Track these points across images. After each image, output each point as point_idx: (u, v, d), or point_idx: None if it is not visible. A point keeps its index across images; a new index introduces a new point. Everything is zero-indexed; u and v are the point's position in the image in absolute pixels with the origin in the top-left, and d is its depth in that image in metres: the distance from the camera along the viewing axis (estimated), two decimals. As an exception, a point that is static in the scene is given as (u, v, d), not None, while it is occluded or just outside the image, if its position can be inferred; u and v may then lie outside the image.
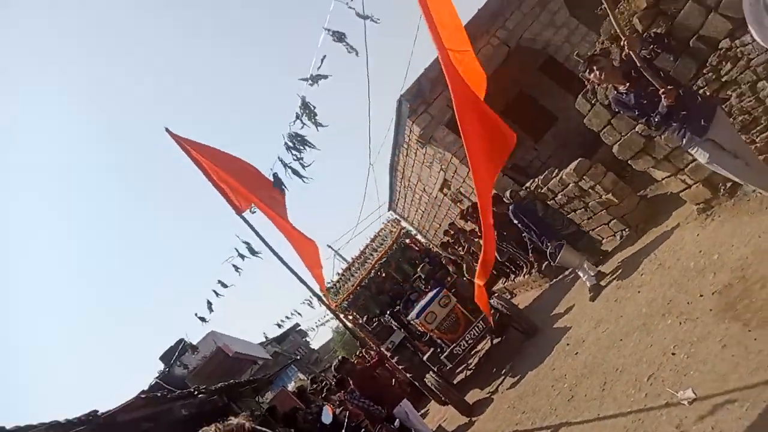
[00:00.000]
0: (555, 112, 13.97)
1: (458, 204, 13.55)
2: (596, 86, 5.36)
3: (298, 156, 6.70)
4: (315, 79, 6.15)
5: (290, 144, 6.69)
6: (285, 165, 6.95)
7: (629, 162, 6.06)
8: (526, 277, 10.56)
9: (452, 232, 12.16)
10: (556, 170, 8.15)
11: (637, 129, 5.50)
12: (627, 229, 7.55)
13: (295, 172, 6.98)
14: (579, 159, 7.60)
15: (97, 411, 4.30)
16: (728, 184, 5.26)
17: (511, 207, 7.98)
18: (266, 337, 20.54)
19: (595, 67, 4.11)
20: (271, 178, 7.34)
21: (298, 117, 6.38)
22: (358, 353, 13.63)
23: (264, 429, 0.90)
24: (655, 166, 5.80)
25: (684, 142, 4.00)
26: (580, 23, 11.38)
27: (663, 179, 5.93)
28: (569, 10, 11.56)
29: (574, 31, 11.45)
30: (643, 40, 3.95)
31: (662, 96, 3.76)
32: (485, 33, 11.43)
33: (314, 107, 6.28)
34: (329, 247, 31.50)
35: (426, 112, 11.34)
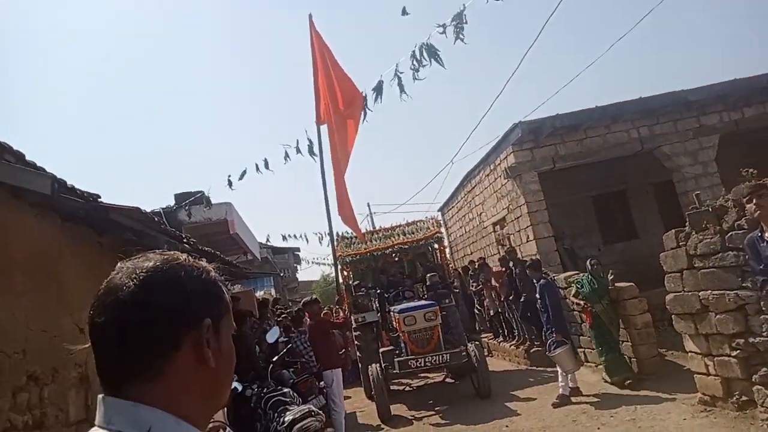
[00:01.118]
0: (639, 230, 13.48)
1: (500, 246, 13.35)
2: (749, 214, 4.92)
3: (416, 67, 6.57)
4: None
5: (418, 55, 6.54)
6: (396, 73, 6.88)
7: (672, 316, 5.83)
8: (512, 347, 10.40)
9: (477, 265, 12.04)
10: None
11: (701, 294, 5.26)
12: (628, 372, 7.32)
13: (399, 84, 6.92)
14: (631, 283, 7.37)
15: (99, 197, 4.44)
16: (744, 398, 5.01)
17: (542, 281, 7.67)
18: (268, 240, 20.90)
19: (757, 200, 3.85)
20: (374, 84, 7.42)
21: (444, 26, 6.14)
22: (329, 307, 13.75)
23: (225, 286, 0.87)
24: (692, 337, 5.57)
25: None
26: (718, 171, 10.85)
27: (690, 352, 5.70)
28: (717, 153, 11.03)
29: (708, 175, 10.92)
30: None
31: None
32: (629, 120, 11.07)
33: (466, 21, 6.04)
34: (368, 205, 31.68)
35: (530, 150, 11.11)
